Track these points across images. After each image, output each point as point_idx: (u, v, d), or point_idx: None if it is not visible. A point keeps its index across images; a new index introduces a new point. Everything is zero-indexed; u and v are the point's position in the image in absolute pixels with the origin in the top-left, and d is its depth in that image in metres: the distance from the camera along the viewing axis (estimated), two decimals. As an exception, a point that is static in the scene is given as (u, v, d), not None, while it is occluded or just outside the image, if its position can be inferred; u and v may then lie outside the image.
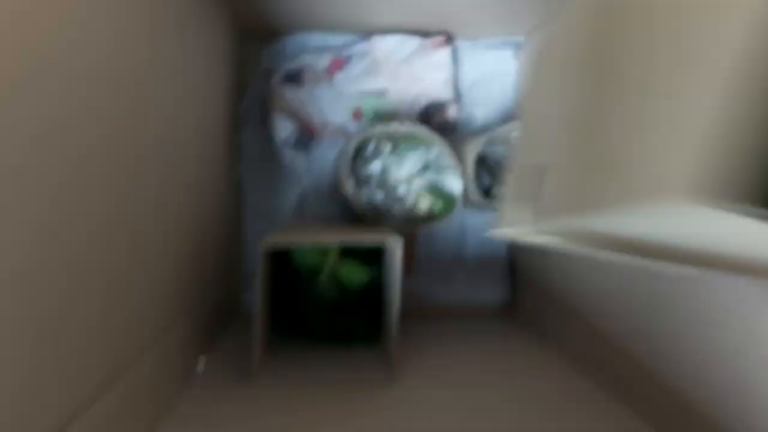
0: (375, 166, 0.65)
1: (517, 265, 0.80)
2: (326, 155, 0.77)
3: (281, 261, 0.64)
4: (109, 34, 0.38)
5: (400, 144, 0.65)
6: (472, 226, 0.80)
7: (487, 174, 0.69)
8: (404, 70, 0.73)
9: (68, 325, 0.33)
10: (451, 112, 0.75)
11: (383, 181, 0.66)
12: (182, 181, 0.55)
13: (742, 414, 0.38)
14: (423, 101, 0.73)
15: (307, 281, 0.63)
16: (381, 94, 0.74)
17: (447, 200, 0.66)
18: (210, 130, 0.65)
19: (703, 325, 0.42)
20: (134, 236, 0.43)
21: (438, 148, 0.65)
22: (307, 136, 0.75)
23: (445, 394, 0.53)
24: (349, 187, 0.64)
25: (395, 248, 0.55)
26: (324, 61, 0.74)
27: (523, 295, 0.78)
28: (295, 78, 0.74)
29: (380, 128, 0.64)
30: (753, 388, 0.37)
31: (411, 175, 0.66)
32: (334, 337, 0.66)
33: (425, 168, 0.66)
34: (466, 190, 0.66)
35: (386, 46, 0.73)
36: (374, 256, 0.66)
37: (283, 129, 0.73)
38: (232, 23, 0.72)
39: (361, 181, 0.66)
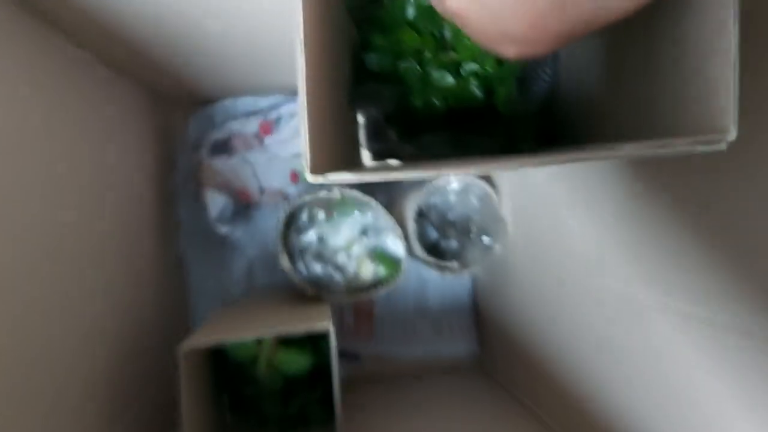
0: (310, 237, 0.61)
1: (482, 314, 0.76)
2: (268, 221, 0.73)
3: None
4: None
5: (333, 210, 0.61)
6: (431, 277, 0.76)
7: (433, 227, 0.65)
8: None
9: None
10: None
11: (321, 251, 0.62)
12: (104, 272, 0.51)
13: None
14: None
15: (246, 371, 0.59)
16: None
17: (391, 264, 0.62)
18: (137, 209, 0.62)
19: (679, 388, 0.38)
20: (42, 346, 0.40)
21: (373, 211, 0.60)
22: (243, 205, 0.72)
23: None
24: (284, 261, 0.60)
25: (329, 335, 0.51)
26: (253, 126, 0.70)
27: (491, 346, 0.74)
28: (223, 148, 0.70)
29: (310, 196, 0.60)
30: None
31: (349, 241, 0.61)
32: (289, 420, 0.61)
33: (363, 232, 0.62)
34: (410, 249, 0.61)
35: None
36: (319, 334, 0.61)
37: (216, 204, 0.69)
38: (153, 95, 0.68)
39: (298, 253, 0.62)
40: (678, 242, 0.36)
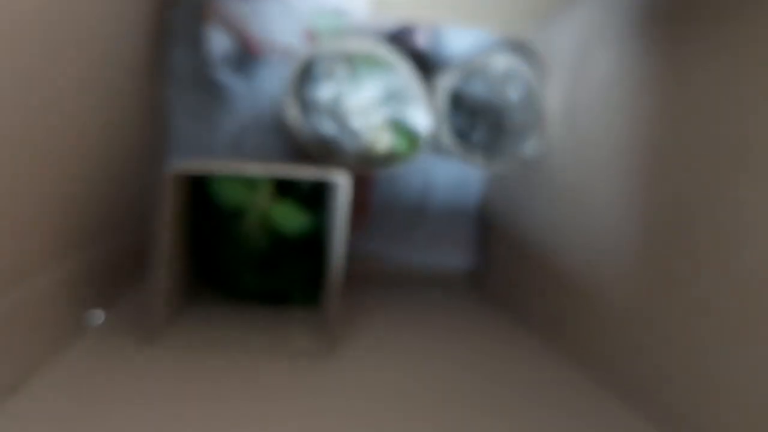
0: (326, 91, 0.53)
1: (488, 227, 0.70)
2: (270, 81, 0.65)
3: (205, 199, 0.53)
4: None
5: (357, 66, 0.53)
6: (438, 177, 0.70)
7: (463, 114, 0.58)
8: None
9: None
10: (422, 39, 0.63)
11: (335, 109, 0.54)
12: (82, 94, 0.43)
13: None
14: (390, 25, 0.62)
15: (231, 223, 0.52)
16: (341, 13, 0.62)
17: (411, 138, 0.55)
18: (129, 40, 0.53)
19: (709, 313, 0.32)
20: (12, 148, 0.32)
21: (404, 74, 0.53)
22: (248, 55, 0.63)
23: (390, 371, 0.43)
24: (292, 113, 0.52)
25: (343, 187, 0.44)
26: None
27: (494, 263, 0.68)
28: None
29: (334, 45, 0.52)
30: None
31: (369, 105, 0.54)
32: (266, 295, 0.55)
33: (387, 98, 0.54)
34: (435, 131, 0.54)
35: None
36: (318, 201, 0.54)
37: (220, 44, 0.61)
38: None
39: (309, 107, 0.54)
40: None
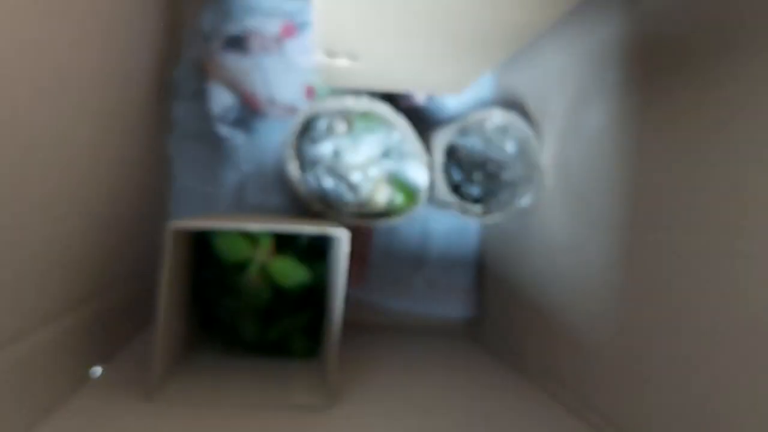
0: (325, 148, 0.55)
1: (486, 276, 0.70)
2: (271, 137, 0.67)
3: (207, 252, 0.53)
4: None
5: (356, 124, 0.55)
6: (436, 226, 0.71)
7: (458, 168, 0.60)
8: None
9: None
10: (419, 97, 0.65)
11: (335, 165, 0.56)
12: (88, 152, 0.44)
13: None
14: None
15: (233, 276, 0.53)
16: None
17: (409, 193, 0.56)
18: (133, 99, 0.55)
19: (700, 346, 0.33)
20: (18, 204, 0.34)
21: (401, 131, 0.55)
22: (248, 112, 0.65)
23: (390, 424, 0.43)
24: (293, 168, 0.54)
25: (342, 242, 0.44)
26: (274, 27, 0.63)
27: (492, 312, 0.69)
28: (238, 44, 0.63)
29: (333, 103, 0.54)
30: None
31: (368, 160, 0.56)
32: (267, 347, 0.55)
33: (385, 154, 0.56)
34: (432, 184, 0.56)
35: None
36: (317, 254, 0.55)
37: (221, 100, 0.63)
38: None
39: (309, 163, 0.55)
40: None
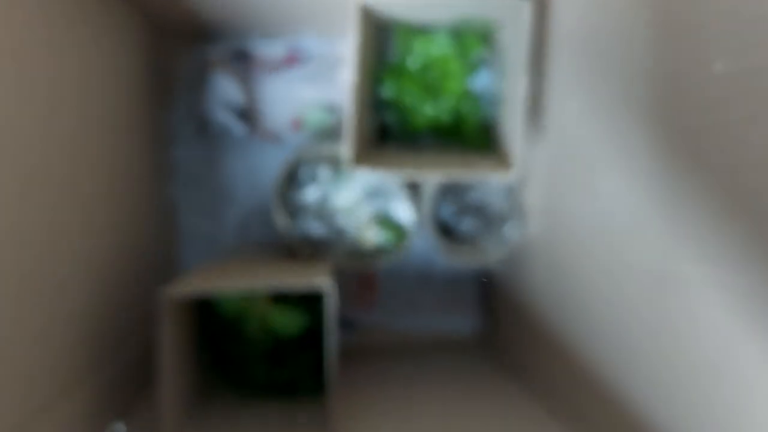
0: (311, 194, 0.56)
1: (492, 290, 0.71)
2: (263, 161, 0.69)
3: (209, 303, 0.56)
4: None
5: (338, 167, 0.56)
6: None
7: (448, 206, 0.60)
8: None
9: None
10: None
11: (321, 210, 0.56)
12: (90, 208, 0.47)
13: None
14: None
15: (235, 325, 0.55)
16: (331, 109, 0.65)
17: (397, 231, 0.57)
18: (130, 148, 0.57)
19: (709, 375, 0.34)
20: (21, 281, 0.36)
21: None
22: (249, 113, 0.65)
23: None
24: (280, 218, 0.55)
25: (329, 295, 0.46)
26: (279, 52, 0.64)
27: (500, 324, 0.69)
28: (243, 58, 0.64)
29: (314, 150, 0.54)
30: None
31: (354, 203, 0.56)
32: (277, 388, 0.57)
33: (370, 195, 0.57)
34: (420, 222, 0.56)
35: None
36: (316, 295, 0.57)
37: (226, 88, 0.63)
38: (156, 26, 0.63)
39: (296, 210, 0.57)
40: (722, 205, 0.32)
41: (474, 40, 0.57)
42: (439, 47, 0.57)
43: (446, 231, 0.60)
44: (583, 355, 0.48)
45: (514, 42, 0.52)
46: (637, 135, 0.39)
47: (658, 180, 0.37)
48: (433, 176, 0.55)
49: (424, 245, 0.71)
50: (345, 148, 0.49)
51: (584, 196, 0.47)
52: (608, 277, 0.44)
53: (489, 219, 0.58)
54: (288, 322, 0.54)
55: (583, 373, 0.48)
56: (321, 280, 0.46)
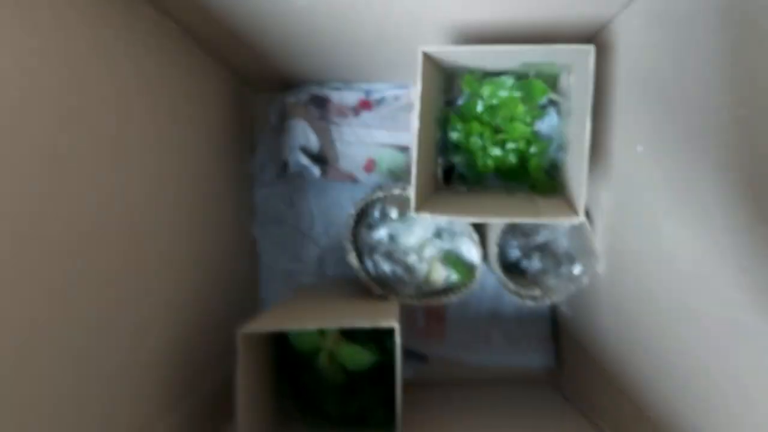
0: (381, 234, 0.59)
1: (561, 328, 0.71)
2: (339, 200, 0.72)
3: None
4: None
5: (407, 208, 0.58)
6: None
7: (516, 246, 0.61)
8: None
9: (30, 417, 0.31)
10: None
11: (391, 250, 0.59)
12: (175, 246, 0.51)
13: None
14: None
15: (308, 360, 0.58)
16: (402, 150, 0.68)
17: (464, 269, 0.58)
18: (217, 192, 0.62)
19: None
20: (111, 318, 0.40)
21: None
22: (324, 157, 0.70)
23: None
24: (351, 258, 0.58)
25: (396, 331, 0.48)
26: (352, 99, 0.68)
27: (568, 363, 0.69)
28: (320, 104, 0.68)
29: (384, 191, 0.57)
30: None
31: (421, 242, 0.58)
32: (349, 420, 0.60)
33: (437, 234, 0.59)
34: (486, 260, 0.58)
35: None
36: (386, 330, 0.59)
37: (303, 134, 0.68)
38: (239, 76, 0.68)
39: (367, 250, 0.59)
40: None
41: (540, 83, 0.58)
42: (506, 91, 0.58)
43: (514, 269, 0.60)
44: (649, 397, 0.47)
45: (579, 85, 0.52)
46: (702, 180, 0.39)
47: (725, 227, 0.37)
48: (496, 220, 0.56)
49: (495, 281, 0.71)
50: (410, 193, 0.51)
51: (648, 238, 0.47)
52: (671, 322, 0.43)
53: (556, 258, 0.59)
54: (355, 356, 0.56)
55: (649, 416, 0.47)
56: (387, 320, 0.48)
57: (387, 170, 0.68)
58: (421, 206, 0.52)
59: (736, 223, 0.36)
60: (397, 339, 0.48)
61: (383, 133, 0.68)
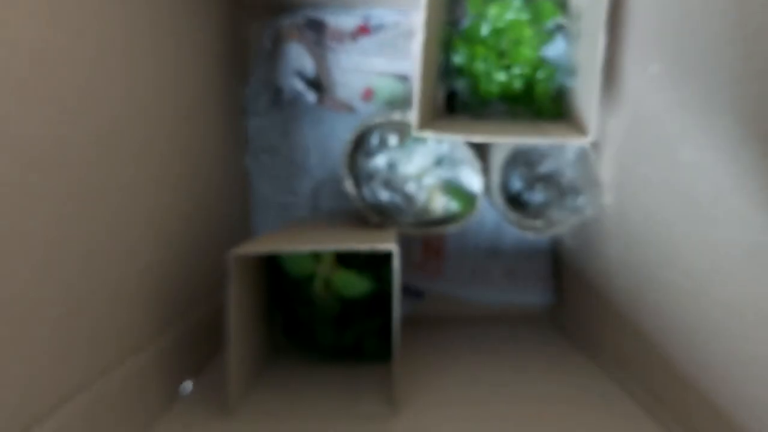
0: (380, 161, 0.56)
1: (563, 261, 0.69)
2: (335, 131, 0.70)
3: (278, 265, 0.57)
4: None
5: (407, 135, 0.56)
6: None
7: (519, 177, 0.59)
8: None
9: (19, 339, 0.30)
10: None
11: (389, 178, 0.57)
12: (166, 171, 0.49)
13: None
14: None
15: (302, 287, 0.56)
16: (401, 79, 0.65)
17: (464, 199, 0.56)
18: (207, 118, 0.59)
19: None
20: (98, 238, 0.38)
21: (451, 140, 0.55)
22: (320, 82, 0.67)
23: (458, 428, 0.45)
24: (348, 185, 0.56)
25: (395, 256, 0.46)
26: (350, 24, 0.65)
27: (569, 299, 0.68)
28: (316, 28, 0.65)
29: (383, 117, 0.55)
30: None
31: (421, 170, 0.56)
32: (343, 351, 0.59)
33: (438, 162, 0.56)
34: (488, 191, 0.56)
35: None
36: (382, 259, 0.57)
37: (299, 59, 0.65)
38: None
39: (365, 177, 0.57)
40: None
41: (549, 4, 0.55)
42: (513, 13, 0.56)
43: (516, 201, 0.58)
44: (657, 328, 0.46)
45: (592, 4, 0.50)
46: (725, 100, 0.37)
47: (749, 149, 0.35)
48: (502, 140, 0.54)
49: (495, 216, 0.70)
50: (411, 114, 0.49)
51: (662, 166, 0.45)
52: (689, 250, 0.42)
53: (561, 190, 0.57)
54: (351, 283, 0.55)
55: (655, 348, 0.46)
56: (385, 244, 0.46)
57: (385, 100, 0.65)
58: (422, 126, 0.50)
59: (758, 144, 0.34)
60: (396, 263, 0.46)
61: (382, 61, 0.65)
